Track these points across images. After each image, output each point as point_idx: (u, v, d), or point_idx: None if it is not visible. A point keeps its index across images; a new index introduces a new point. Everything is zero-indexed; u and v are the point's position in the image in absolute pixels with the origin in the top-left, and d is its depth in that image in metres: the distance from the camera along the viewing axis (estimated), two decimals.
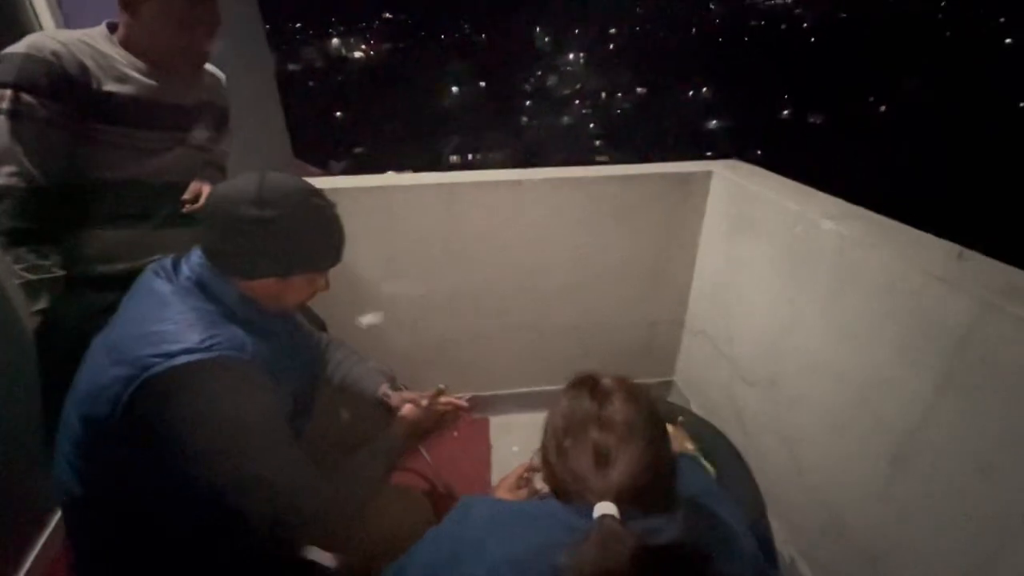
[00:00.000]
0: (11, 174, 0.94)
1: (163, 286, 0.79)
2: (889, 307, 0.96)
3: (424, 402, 1.06)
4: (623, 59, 49.53)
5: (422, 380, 1.30)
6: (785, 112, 38.07)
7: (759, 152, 32.42)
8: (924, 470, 0.91)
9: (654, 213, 1.61)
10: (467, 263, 1.61)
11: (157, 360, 0.69)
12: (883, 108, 36.34)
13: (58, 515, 1.38)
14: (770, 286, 1.32)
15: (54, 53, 0.95)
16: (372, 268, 1.58)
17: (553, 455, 0.63)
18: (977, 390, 0.81)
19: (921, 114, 31.53)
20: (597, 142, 37.38)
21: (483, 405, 1.80)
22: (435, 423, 1.08)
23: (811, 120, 36.19)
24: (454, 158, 33.60)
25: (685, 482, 0.86)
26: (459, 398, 1.12)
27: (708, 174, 1.57)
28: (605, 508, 0.54)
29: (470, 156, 34.25)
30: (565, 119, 41.13)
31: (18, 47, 0.94)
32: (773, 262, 1.31)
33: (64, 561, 1.34)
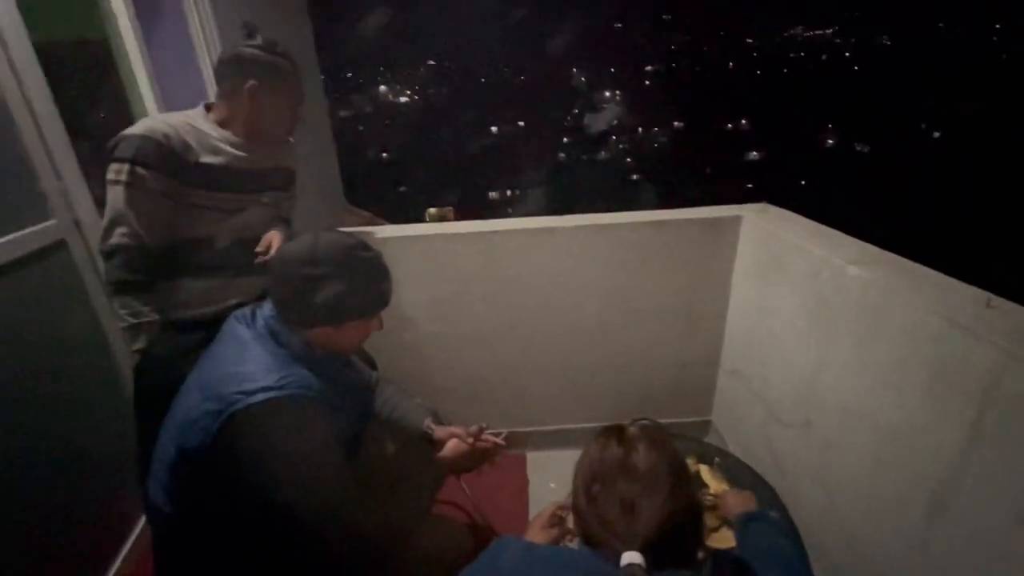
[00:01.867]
0: (123, 234, 1.12)
1: (244, 332, 0.93)
2: (916, 353, 0.97)
3: (468, 438, 1.14)
4: (658, 95, 50.09)
5: (463, 416, 1.38)
6: (830, 142, 37.13)
7: (803, 182, 31.61)
8: (963, 519, 0.90)
9: (685, 257, 1.67)
10: (505, 305, 1.71)
11: (240, 396, 0.81)
12: (937, 135, 34.86)
13: (139, 527, 1.54)
14: (800, 329, 1.35)
15: (164, 135, 1.14)
16: (417, 309, 1.70)
17: (583, 502, 0.66)
18: (1009, 440, 0.81)
19: (979, 139, 30.04)
20: (634, 176, 37.60)
21: (521, 441, 1.85)
22: (476, 458, 1.15)
23: (858, 149, 35.11)
24: (494, 194, 34.52)
25: (750, 542, 0.89)
26: (497, 435, 1.20)
27: (738, 219, 1.62)
28: (631, 557, 0.56)
29: (509, 192, 35.12)
30: (602, 154, 41.77)
31: (135, 129, 1.14)
32: (802, 306, 1.34)
33: (146, 568, 1.48)
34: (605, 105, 48.85)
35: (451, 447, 1.13)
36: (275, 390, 0.83)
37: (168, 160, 1.13)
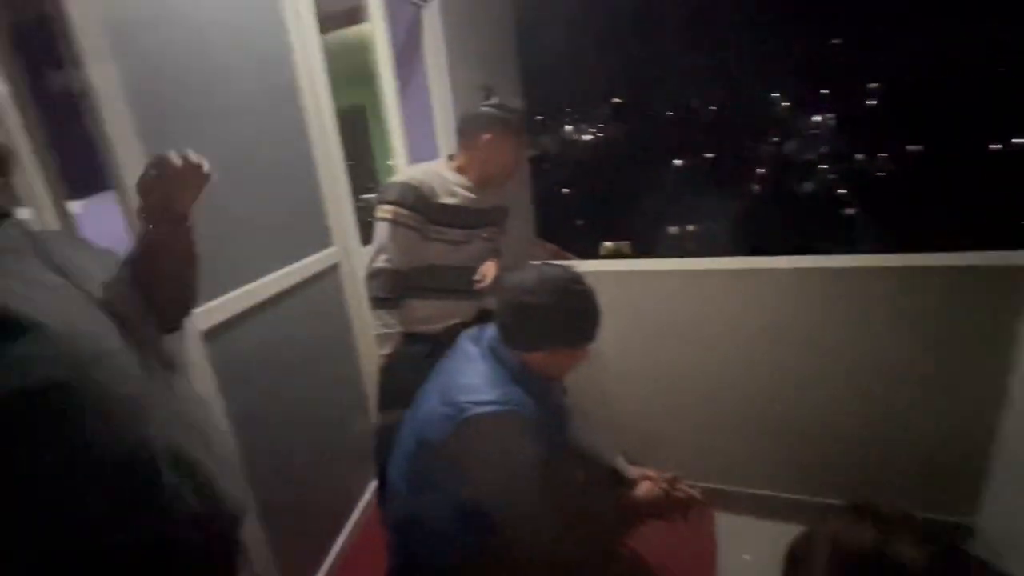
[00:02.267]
0: (385, 260, 1.41)
1: (472, 349, 1.07)
2: None
3: (663, 484, 1.10)
4: (886, 114, 42.37)
5: (649, 457, 1.32)
6: None
7: None
8: None
9: (943, 312, 1.36)
10: (701, 349, 1.61)
11: (470, 405, 0.94)
12: None
13: (364, 500, 1.82)
14: None
15: (419, 182, 1.41)
16: (606, 345, 1.70)
17: None
18: None
19: None
20: (848, 210, 32.16)
21: (711, 498, 1.70)
22: (668, 507, 1.10)
23: None
24: (673, 229, 33.14)
25: None
26: (693, 486, 1.13)
27: None
28: None
29: (690, 227, 33.31)
30: (806, 185, 36.85)
31: (399, 177, 1.44)
32: None
33: (366, 547, 1.75)
34: (814, 131, 43.24)
35: (644, 489, 1.10)
36: (499, 404, 0.94)
37: (420, 202, 1.40)
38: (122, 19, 1.01)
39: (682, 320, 1.61)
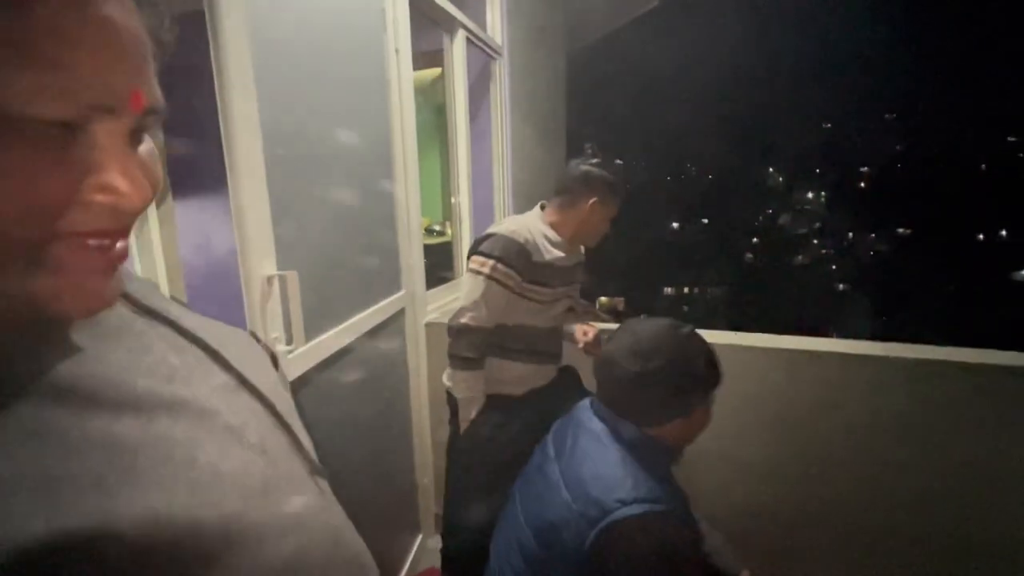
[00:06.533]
0: (473, 317, 1.28)
1: (597, 426, 0.93)
2: None
3: None
4: (878, 197, 44.15)
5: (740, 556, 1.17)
6: None
7: None
8: None
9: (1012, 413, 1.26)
10: (799, 437, 1.48)
11: (616, 505, 0.79)
12: None
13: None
14: None
15: (525, 239, 1.30)
16: None
17: None
18: None
19: None
20: (841, 286, 32.81)
21: None
22: None
23: None
24: (668, 290, 33.45)
25: None
26: None
27: None
28: None
29: (686, 290, 33.65)
30: (799, 258, 37.74)
31: (502, 229, 1.32)
32: None
33: None
34: (807, 206, 44.73)
35: None
36: (649, 503, 0.80)
37: (523, 260, 1.29)
38: (258, 67, 0.93)
39: (790, 401, 1.49)
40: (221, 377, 0.37)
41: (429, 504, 1.87)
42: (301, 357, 1.07)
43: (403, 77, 1.61)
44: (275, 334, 0.95)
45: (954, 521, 1.38)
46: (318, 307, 1.14)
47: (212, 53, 0.84)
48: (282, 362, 0.97)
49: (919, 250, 34.52)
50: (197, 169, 1.42)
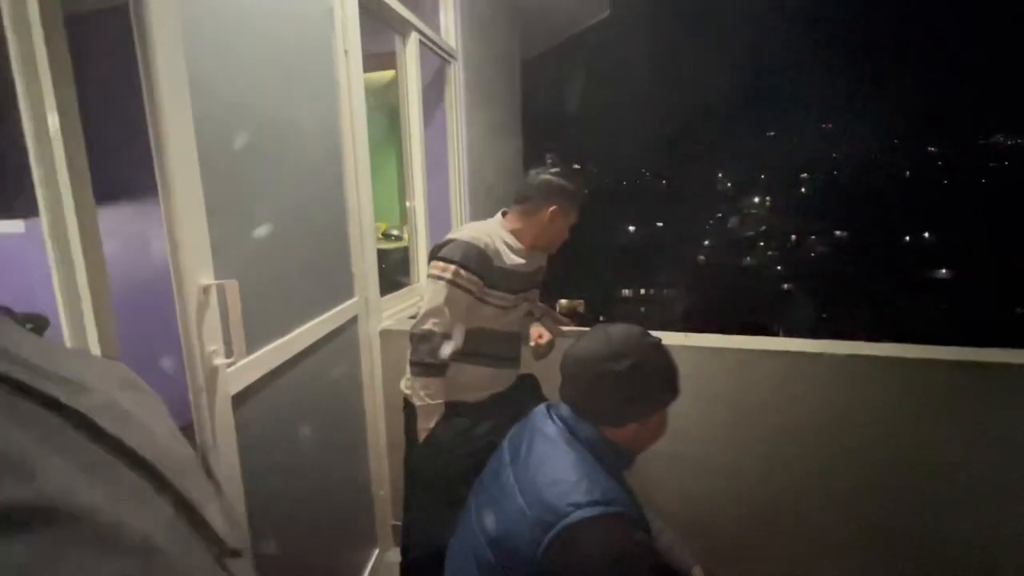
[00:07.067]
0: (435, 324, 1.25)
1: (551, 429, 0.93)
2: None
3: None
4: (818, 202, 46.89)
5: (694, 553, 1.20)
6: None
7: (1018, 310, 26.08)
8: None
9: (989, 410, 1.36)
10: (754, 435, 1.53)
11: (570, 508, 0.79)
12: None
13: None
14: None
15: (485, 244, 1.29)
16: None
17: None
18: None
19: None
20: (786, 285, 34.59)
21: None
22: None
23: None
24: (626, 291, 34.24)
25: None
26: None
27: None
28: None
29: (642, 291, 34.55)
30: (747, 260, 39.56)
31: (462, 235, 1.31)
32: None
33: None
34: (753, 210, 46.97)
35: None
36: (603, 505, 0.80)
37: (483, 265, 1.28)
38: (192, 66, 0.88)
39: (744, 401, 1.53)
40: (90, 452, 0.29)
41: (386, 516, 1.82)
42: (243, 370, 1.01)
43: (353, 78, 1.57)
44: (213, 347, 0.89)
45: (901, 510, 1.46)
46: (262, 317, 1.09)
47: (138, 49, 0.78)
48: (221, 376, 0.92)
49: (855, 251, 36.87)
50: (129, 172, 1.34)
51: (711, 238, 44.00)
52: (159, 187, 0.81)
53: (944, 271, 32.80)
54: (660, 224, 49.41)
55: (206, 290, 0.87)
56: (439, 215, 2.56)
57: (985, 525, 1.41)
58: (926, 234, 37.91)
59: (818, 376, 1.47)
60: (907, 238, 38.42)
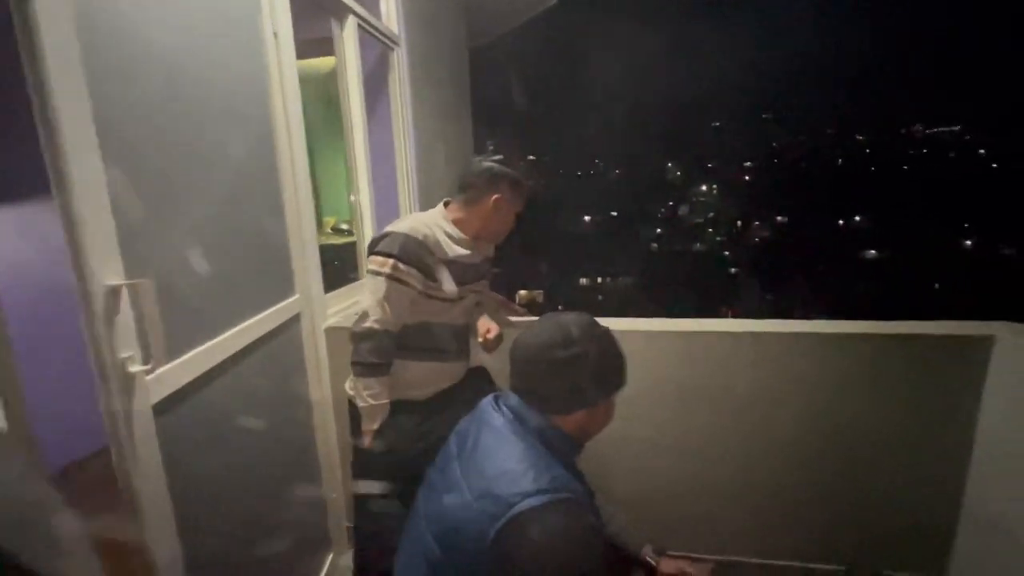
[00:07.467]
0: (377, 320, 1.20)
1: (498, 421, 0.92)
2: None
3: None
4: (760, 189, 49.18)
5: (645, 530, 1.22)
6: (968, 243, 33.42)
7: (936, 286, 28.41)
8: None
9: (917, 378, 1.46)
10: (697, 413, 1.58)
11: (517, 498, 0.78)
12: None
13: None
14: None
15: (424, 235, 1.24)
16: None
17: None
18: None
19: None
20: (733, 269, 36.18)
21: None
22: None
23: (1004, 252, 31.09)
24: (584, 280, 34.82)
25: None
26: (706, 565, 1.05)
27: (989, 339, 1.40)
28: None
29: (599, 279, 35.24)
30: (697, 245, 41.02)
31: (400, 227, 1.25)
32: None
33: None
34: (702, 198, 48.64)
35: None
36: (550, 492, 0.79)
37: (424, 258, 1.23)
38: (89, 45, 0.80)
39: (687, 381, 1.58)
40: None
41: (340, 519, 1.76)
42: (166, 376, 0.94)
43: (285, 63, 1.48)
44: (127, 353, 0.82)
45: (840, 478, 1.55)
46: (187, 318, 1.02)
47: (17, 32, 0.70)
48: (139, 384, 0.85)
49: (795, 235, 38.96)
50: (23, 167, 1.21)
51: (663, 226, 45.27)
52: (51, 180, 0.73)
53: (873, 251, 35.27)
54: (614, 213, 50.34)
55: (115, 291, 0.79)
56: (388, 207, 2.49)
57: (918, 486, 1.52)
58: (857, 217, 40.55)
59: (757, 354, 1.53)
60: (840, 221, 40.95)
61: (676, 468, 1.63)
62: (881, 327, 1.49)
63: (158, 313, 0.84)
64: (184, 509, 0.97)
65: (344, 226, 3.81)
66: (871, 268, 33.30)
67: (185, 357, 0.99)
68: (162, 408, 0.91)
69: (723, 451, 1.60)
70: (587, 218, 49.42)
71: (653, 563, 1.07)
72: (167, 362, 0.92)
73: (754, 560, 1.63)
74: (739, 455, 1.59)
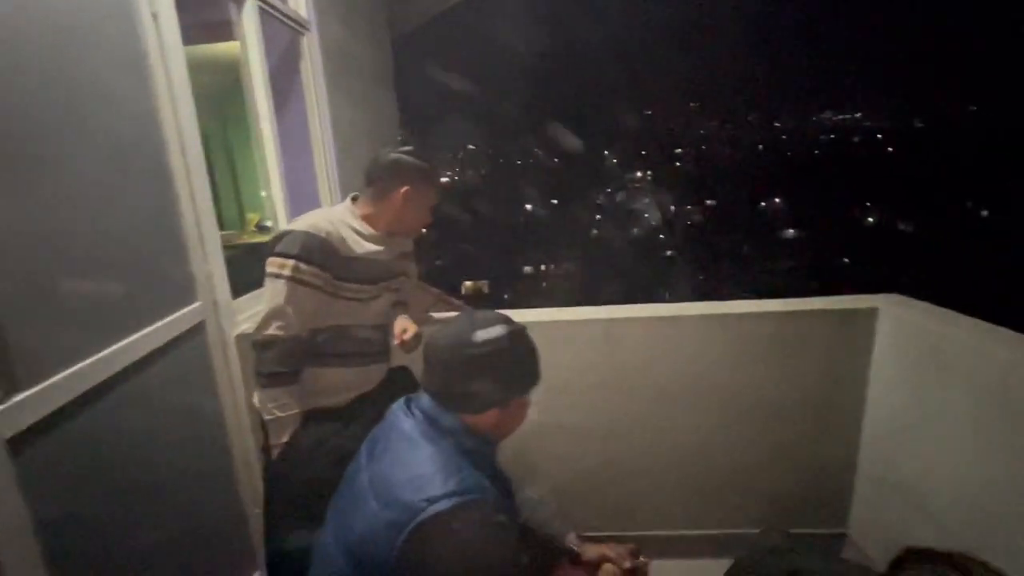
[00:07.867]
0: (280, 327, 1.13)
1: (408, 425, 0.88)
2: None
3: (626, 563, 1.03)
4: (690, 175, 51.59)
5: (574, 516, 1.25)
6: (870, 220, 36.83)
7: (845, 260, 31.11)
8: None
9: (812, 350, 1.58)
10: (622, 398, 1.63)
11: (423, 504, 0.76)
12: (985, 213, 34.14)
13: None
14: (976, 438, 1.21)
15: (327, 232, 1.17)
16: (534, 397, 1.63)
17: None
18: None
19: None
20: (668, 252, 37.82)
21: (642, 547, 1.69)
22: None
23: (902, 228, 34.58)
24: (528, 269, 35.11)
25: None
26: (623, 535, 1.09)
27: (873, 311, 1.53)
28: None
29: (543, 267, 35.69)
30: (635, 231, 42.48)
31: (300, 225, 1.17)
32: (979, 412, 1.21)
33: None
34: (637, 184, 50.29)
35: (608, 572, 1.02)
36: (458, 495, 0.77)
37: (328, 256, 1.16)
38: None
39: (610, 367, 1.62)
40: None
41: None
42: (29, 402, 0.83)
43: (168, 47, 1.35)
44: None
45: (763, 450, 1.65)
46: (49, 338, 0.90)
47: None
48: None
49: (722, 218, 41.25)
50: None
51: (602, 213, 46.44)
52: None
53: (792, 231, 38.04)
54: (555, 201, 50.99)
55: None
56: (309, 202, 2.36)
57: (819, 449, 1.64)
58: (777, 200, 43.50)
59: (676, 337, 1.60)
60: (762, 204, 43.79)
61: (602, 452, 1.68)
62: (779, 304, 1.60)
63: None
64: (59, 548, 0.87)
65: (268, 223, 3.59)
66: (790, 246, 35.90)
67: (49, 382, 0.88)
68: (21, 443, 0.81)
69: (644, 433, 1.66)
70: (528, 207, 49.77)
71: (576, 550, 1.08)
72: (27, 389, 0.81)
73: (679, 532, 1.71)
74: (660, 436, 1.66)
